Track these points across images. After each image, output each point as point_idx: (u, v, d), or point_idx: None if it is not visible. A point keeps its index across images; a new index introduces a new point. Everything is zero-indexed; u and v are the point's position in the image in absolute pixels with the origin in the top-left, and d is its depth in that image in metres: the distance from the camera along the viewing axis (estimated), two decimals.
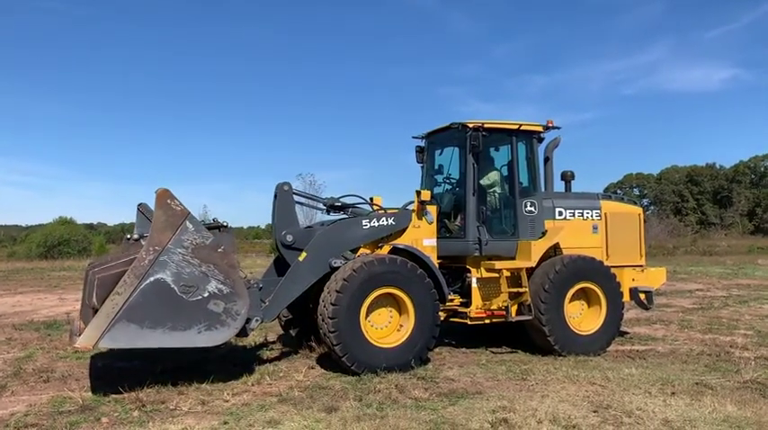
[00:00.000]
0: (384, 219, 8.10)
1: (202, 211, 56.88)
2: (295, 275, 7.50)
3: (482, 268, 8.57)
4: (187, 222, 6.38)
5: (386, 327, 7.62)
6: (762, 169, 77.67)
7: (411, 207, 8.38)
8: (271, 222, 8.03)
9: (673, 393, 6.28)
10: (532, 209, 8.82)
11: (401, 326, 7.57)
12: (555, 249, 8.83)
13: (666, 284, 14.96)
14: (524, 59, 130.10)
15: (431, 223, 8.29)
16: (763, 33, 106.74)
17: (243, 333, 6.95)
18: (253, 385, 6.73)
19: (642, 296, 9.38)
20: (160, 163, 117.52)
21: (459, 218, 8.80)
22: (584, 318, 8.70)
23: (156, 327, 6.17)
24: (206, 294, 6.38)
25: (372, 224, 8.02)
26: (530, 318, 8.24)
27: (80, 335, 6.22)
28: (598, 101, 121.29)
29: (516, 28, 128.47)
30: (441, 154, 9.83)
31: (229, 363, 7.75)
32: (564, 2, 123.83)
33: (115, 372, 7.49)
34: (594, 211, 9.26)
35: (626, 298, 9.14)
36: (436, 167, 9.78)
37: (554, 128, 9.04)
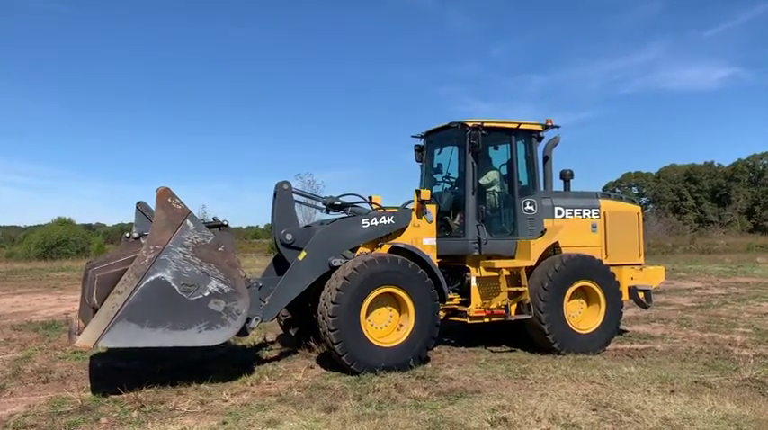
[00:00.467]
0: (384, 218, 8.08)
1: (201, 211, 56.57)
2: (295, 274, 7.48)
3: (481, 267, 8.57)
4: (188, 221, 6.35)
5: (386, 327, 7.62)
6: (760, 167, 77.72)
7: (411, 206, 8.39)
8: (270, 221, 8.04)
9: (672, 391, 6.28)
10: (532, 208, 8.83)
11: (401, 325, 7.58)
12: (554, 248, 8.82)
13: (665, 283, 14.99)
14: (523, 59, 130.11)
15: (430, 222, 8.28)
16: (762, 32, 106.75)
17: (243, 332, 6.93)
18: (252, 385, 6.72)
19: (641, 295, 9.40)
20: (159, 163, 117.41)
21: (458, 217, 8.81)
22: (583, 316, 8.70)
23: (157, 327, 6.14)
24: (207, 293, 6.35)
25: (372, 223, 8.00)
26: (529, 316, 8.24)
27: (79, 334, 6.22)
28: (597, 100, 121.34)
29: (515, 27, 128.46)
30: (440, 153, 9.82)
31: (228, 363, 7.74)
32: (562, 1, 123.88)
33: (114, 373, 7.49)
34: (593, 210, 9.27)
35: (625, 296, 9.14)
36: (435, 166, 9.76)
37: (553, 127, 9.05)
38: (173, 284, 6.20)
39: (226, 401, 6.12)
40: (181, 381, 6.68)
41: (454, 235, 8.72)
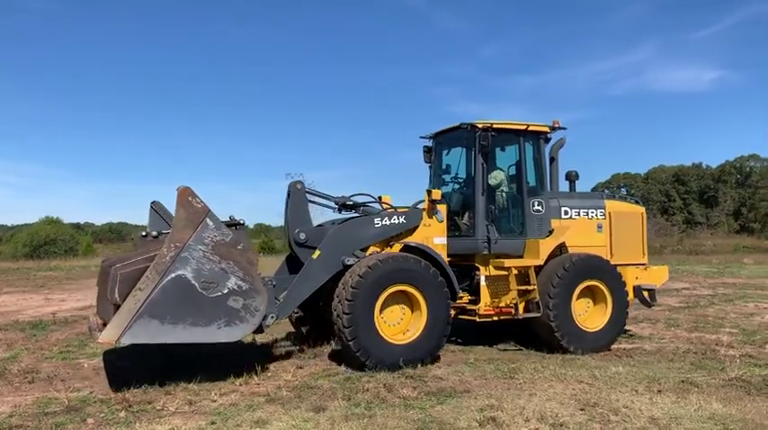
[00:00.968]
0: (395, 217, 8.19)
1: None
2: (309, 273, 7.58)
3: (490, 266, 8.70)
4: (207, 219, 6.48)
5: (398, 325, 7.71)
6: (747, 169, 78.34)
7: (421, 206, 8.49)
8: (283, 221, 8.12)
9: (659, 391, 6.32)
10: (540, 208, 8.99)
11: (414, 323, 7.69)
12: (561, 248, 8.98)
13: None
14: (513, 60, 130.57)
15: (441, 222, 8.40)
16: (750, 35, 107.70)
17: (259, 329, 7.03)
18: (240, 385, 6.70)
19: (645, 294, 9.59)
20: (148, 162, 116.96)
21: (467, 216, 8.96)
22: (589, 315, 8.83)
23: (177, 323, 6.24)
24: (226, 290, 6.47)
25: (384, 223, 8.10)
26: (538, 314, 8.34)
27: (99, 330, 6.38)
28: (586, 101, 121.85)
29: (504, 28, 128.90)
30: (448, 154, 9.95)
31: (217, 363, 7.71)
32: (551, 2, 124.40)
33: (101, 373, 7.45)
34: (599, 211, 9.44)
35: (630, 296, 9.27)
36: (443, 167, 9.89)
37: (560, 128, 9.25)
38: (193, 282, 6.32)
39: (214, 401, 6.09)
40: (169, 381, 6.65)
41: (464, 234, 8.83)
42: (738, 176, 78.25)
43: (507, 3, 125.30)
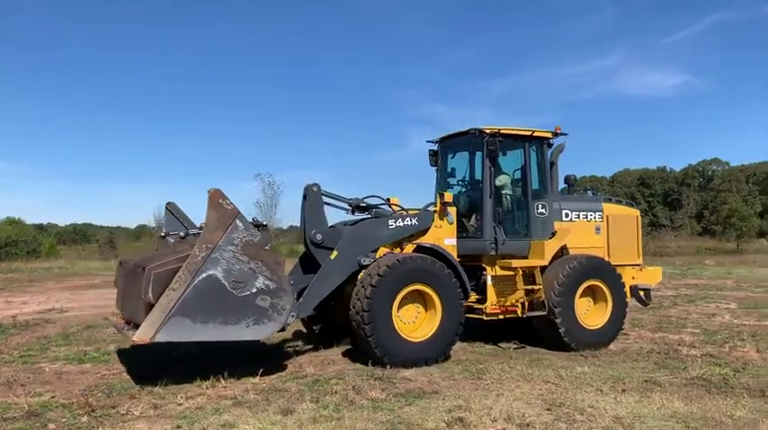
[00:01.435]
0: (408, 219, 8.47)
1: (158, 212, 56.04)
2: (327, 273, 7.80)
3: (497, 266, 8.97)
4: (237, 221, 6.67)
5: (413, 323, 7.94)
6: (709, 173, 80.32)
7: (432, 208, 8.75)
8: (299, 222, 8.29)
9: (623, 390, 6.43)
10: (543, 210, 9.30)
11: (428, 322, 7.92)
12: (562, 249, 9.26)
13: None
14: (484, 62, 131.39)
15: (451, 223, 8.66)
16: (711, 42, 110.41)
17: (281, 328, 7.18)
18: (207, 388, 6.62)
19: (641, 293, 9.99)
20: (113, 161, 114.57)
21: (474, 218, 9.25)
22: (590, 313, 9.15)
23: (209, 322, 6.42)
24: (254, 290, 6.65)
25: (398, 224, 8.38)
26: (543, 313, 8.64)
27: (125, 329, 6.82)
28: (556, 105, 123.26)
29: (475, 31, 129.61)
30: (453, 157, 10.25)
31: (183, 366, 7.61)
32: (522, 6, 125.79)
33: (63, 377, 7.29)
34: (597, 213, 9.81)
35: (627, 295, 9.64)
36: (449, 170, 10.19)
37: (561, 134, 9.57)
38: (223, 281, 6.49)
39: (180, 405, 6.01)
40: (133, 385, 6.54)
41: (471, 235, 9.08)
42: (701, 180, 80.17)
43: (477, 6, 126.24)
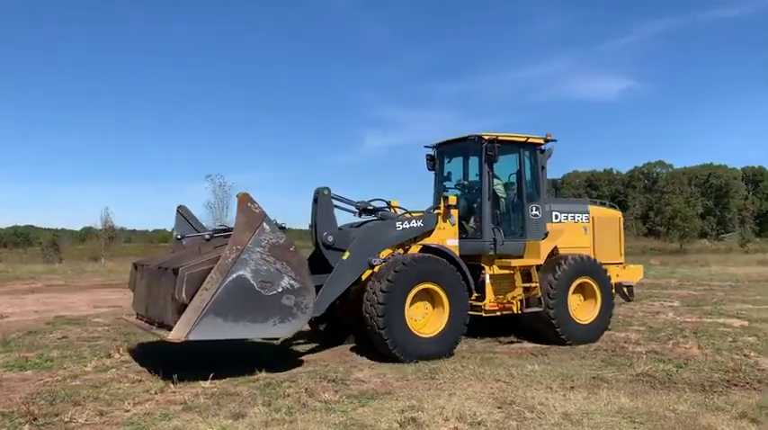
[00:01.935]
0: (414, 221, 8.84)
1: (104, 213, 54.52)
2: (340, 273, 8.02)
3: (495, 265, 9.43)
4: (264, 224, 6.96)
5: (421, 320, 8.33)
6: (654, 175, 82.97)
7: (435, 211, 9.13)
8: (310, 224, 8.48)
9: (572, 387, 6.56)
10: (537, 212, 9.76)
11: (436, 319, 8.32)
12: (553, 249, 9.69)
13: None
14: (437, 65, 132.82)
15: (453, 225, 9.06)
16: (654, 49, 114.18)
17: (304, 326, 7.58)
18: (156, 393, 6.46)
19: (625, 289, 10.68)
20: (56, 162, 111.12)
21: (472, 220, 9.66)
22: (581, 309, 9.70)
23: (239, 320, 6.73)
24: (280, 289, 6.95)
25: (404, 226, 8.72)
26: (540, 309, 9.14)
27: (154, 329, 7.23)
28: (507, 107, 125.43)
29: (429, 34, 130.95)
30: (450, 162, 10.73)
31: (131, 371, 7.43)
32: (476, 10, 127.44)
33: (4, 384, 7.01)
34: (584, 215, 10.40)
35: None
36: (446, 174, 10.64)
37: (551, 140, 9.99)
38: (252, 281, 6.78)
39: (127, 411, 5.85)
40: (78, 392, 6.34)
41: (471, 236, 9.49)
42: (646, 182, 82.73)
43: (432, 9, 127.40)
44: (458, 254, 8.88)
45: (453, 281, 8.39)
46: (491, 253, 9.32)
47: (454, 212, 9.08)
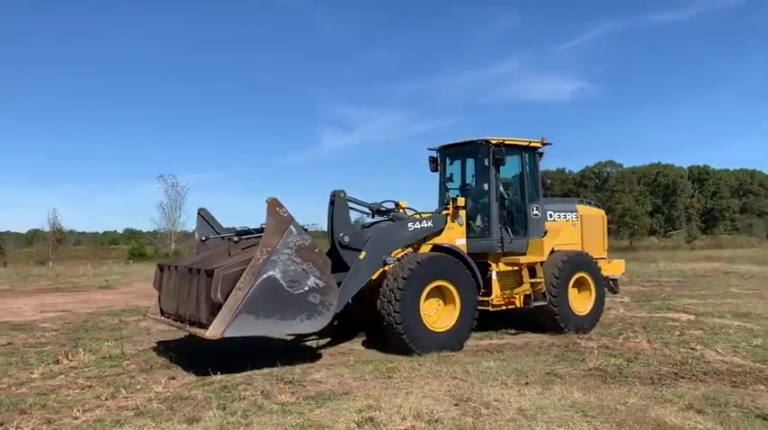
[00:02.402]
0: (425, 222, 9.27)
1: (52, 215, 52.93)
2: (358, 271, 8.38)
3: (501, 263, 9.93)
4: (291, 227, 7.38)
5: (434, 315, 8.74)
6: (605, 174, 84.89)
7: (444, 212, 9.54)
8: (327, 225, 8.78)
9: (526, 383, 6.67)
10: (537, 212, 10.36)
11: (448, 315, 8.76)
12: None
13: None
14: (393, 65, 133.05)
15: (461, 225, 9.54)
16: (604, 50, 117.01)
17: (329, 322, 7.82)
18: (107, 399, 6.29)
19: (611, 282, 11.41)
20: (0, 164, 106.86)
21: (479, 220, 10.13)
22: (578, 301, 10.36)
23: (269, 317, 7.14)
24: (306, 288, 7.37)
25: (416, 226, 9.16)
26: (545, 303, 9.75)
27: (188, 327, 7.66)
28: (460, 108, 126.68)
29: (385, 33, 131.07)
30: (454, 164, 11.22)
31: (81, 377, 7.22)
32: (429, 11, 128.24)
33: None
34: (574, 214, 11.05)
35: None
36: (448, 176, 11.18)
37: (547, 144, 10.53)
38: (281, 281, 7.20)
39: (76, 418, 5.67)
40: (24, 399, 6.13)
41: (479, 236, 9.94)
42: (597, 181, 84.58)
43: (387, 9, 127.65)
44: (466, 252, 9.30)
45: (464, 278, 8.85)
46: (499, 251, 9.83)
47: (462, 213, 9.54)
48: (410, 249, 9.13)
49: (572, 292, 10.20)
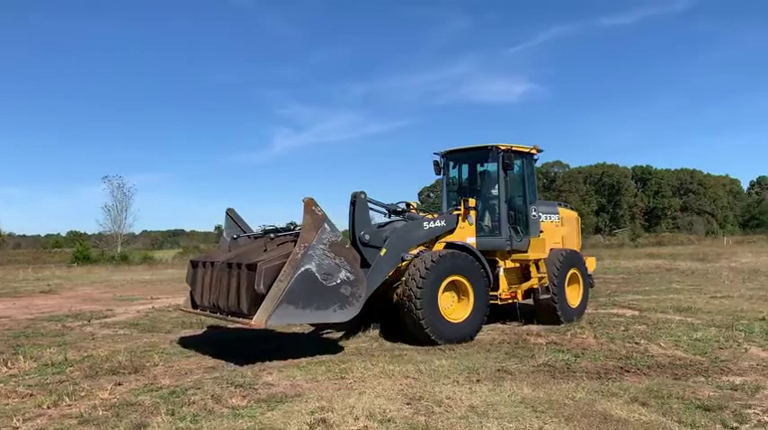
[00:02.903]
0: (438, 221, 9.93)
1: None
2: (379, 267, 8.89)
3: (507, 260, 10.77)
4: (325, 224, 7.94)
5: (449, 308, 9.34)
6: (552, 174, 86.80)
7: (455, 212, 10.22)
8: (348, 224, 9.13)
9: (478, 380, 6.76)
10: (535, 213, 11.25)
11: (462, 307, 9.42)
12: None
13: None
14: (345, 65, 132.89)
15: (471, 224, 10.27)
16: (551, 53, 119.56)
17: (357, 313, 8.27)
18: (49, 408, 6.06)
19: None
20: None
21: (487, 219, 10.92)
22: (571, 295, 11.23)
23: (306, 307, 7.66)
24: (338, 281, 7.91)
25: (431, 225, 9.81)
26: (549, 296, 10.60)
27: (230, 316, 8.18)
28: (413, 109, 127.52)
29: (336, 34, 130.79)
30: (457, 168, 12.08)
31: (20, 385, 6.94)
32: (380, 12, 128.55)
33: None
34: (556, 215, 11.99)
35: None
36: (452, 178, 12.09)
37: (540, 151, 11.49)
38: (316, 274, 7.72)
39: (17, 428, 5.45)
40: None
41: (488, 234, 10.71)
42: (545, 181, 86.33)
43: (338, 9, 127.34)
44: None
45: (477, 273, 9.52)
46: (507, 248, 10.63)
47: (472, 213, 10.25)
48: (421, 247, 9.67)
49: (567, 287, 11.08)
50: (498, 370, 7.27)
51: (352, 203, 8.99)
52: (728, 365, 7.36)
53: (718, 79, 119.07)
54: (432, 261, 8.97)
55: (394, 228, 9.54)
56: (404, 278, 9.06)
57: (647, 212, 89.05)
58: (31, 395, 6.46)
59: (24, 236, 74.34)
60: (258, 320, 7.40)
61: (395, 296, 9.31)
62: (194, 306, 9.33)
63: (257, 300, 7.64)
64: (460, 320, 9.27)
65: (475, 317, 9.41)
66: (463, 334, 9.16)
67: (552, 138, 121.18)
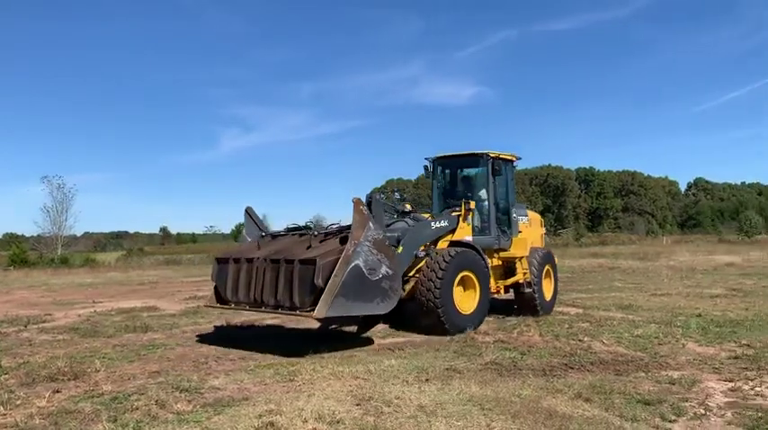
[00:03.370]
0: (443, 221, 10.73)
1: None
2: (398, 263, 9.12)
3: (493, 257, 11.66)
4: (370, 223, 8.50)
5: (460, 300, 10.09)
6: None
7: (455, 213, 10.99)
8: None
9: (427, 380, 6.79)
10: (515, 215, 12.26)
11: (469, 300, 10.28)
12: None
13: None
14: (293, 65, 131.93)
15: (469, 225, 11.08)
16: (499, 57, 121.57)
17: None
18: None
19: None
20: None
21: (476, 220, 11.46)
22: (545, 288, 12.29)
23: (356, 301, 8.19)
24: (381, 275, 8.43)
25: (437, 225, 10.62)
26: (531, 290, 11.72)
27: (280, 311, 8.67)
28: (364, 109, 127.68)
29: (284, 33, 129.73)
30: (446, 173, 12.94)
31: None
32: (329, 13, 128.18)
33: None
34: (526, 217, 12.88)
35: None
36: (442, 183, 12.85)
37: (519, 159, 12.66)
38: (364, 269, 8.23)
39: None
40: None
41: (479, 233, 11.39)
42: None
43: (286, 7, 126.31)
44: None
45: (482, 269, 10.48)
46: (496, 247, 11.58)
47: (470, 215, 11.02)
48: (422, 247, 10.30)
49: (543, 281, 12.17)
50: (447, 368, 7.33)
51: (368, 204, 9.28)
52: (667, 360, 7.63)
53: (657, 83, 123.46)
54: (450, 256, 9.81)
55: (405, 228, 10.28)
56: (421, 274, 9.81)
57: (590, 213, 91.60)
58: None
59: None
60: (319, 312, 7.88)
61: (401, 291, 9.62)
62: (221, 301, 9.64)
63: (315, 293, 8.07)
64: (470, 312, 10.12)
65: (481, 308, 10.34)
66: (472, 323, 10.02)
67: (499, 139, 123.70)
